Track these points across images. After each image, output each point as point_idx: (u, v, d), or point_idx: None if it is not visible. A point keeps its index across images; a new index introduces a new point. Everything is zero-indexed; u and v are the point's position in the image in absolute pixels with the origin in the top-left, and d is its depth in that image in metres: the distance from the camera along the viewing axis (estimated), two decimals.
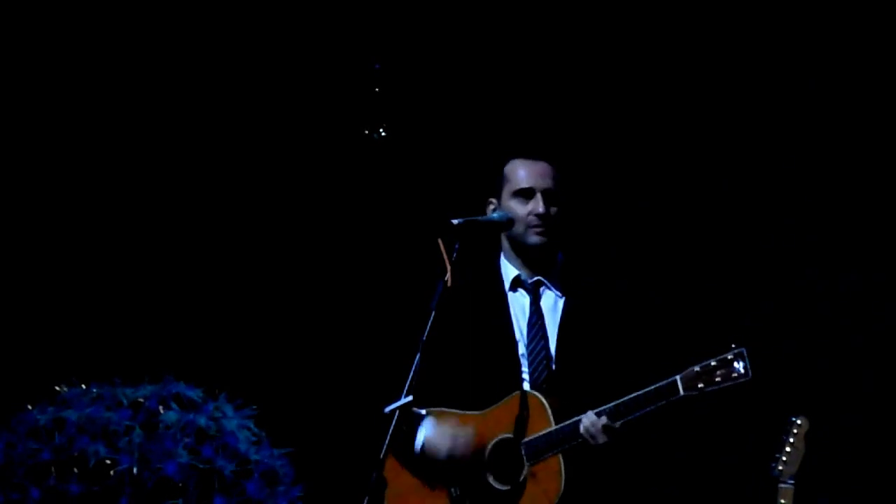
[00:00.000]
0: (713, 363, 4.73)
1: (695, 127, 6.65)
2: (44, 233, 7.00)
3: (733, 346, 4.73)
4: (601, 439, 4.77)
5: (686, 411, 4.83)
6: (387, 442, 4.58)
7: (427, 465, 4.96)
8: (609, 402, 4.80)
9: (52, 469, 5.83)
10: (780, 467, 4.95)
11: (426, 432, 4.96)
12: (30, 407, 6.00)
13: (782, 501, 4.93)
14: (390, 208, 6.93)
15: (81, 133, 7.03)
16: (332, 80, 7.02)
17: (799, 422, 4.98)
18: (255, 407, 6.12)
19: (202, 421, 5.96)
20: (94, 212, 7.03)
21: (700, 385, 4.73)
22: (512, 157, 5.13)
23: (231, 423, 6.00)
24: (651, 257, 6.62)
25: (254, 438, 6.04)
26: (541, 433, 4.88)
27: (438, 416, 4.98)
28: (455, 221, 4.94)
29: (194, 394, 6.06)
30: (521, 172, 5.06)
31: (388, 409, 4.61)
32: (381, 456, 4.59)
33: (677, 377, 4.76)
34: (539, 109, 6.77)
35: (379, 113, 6.98)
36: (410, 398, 4.60)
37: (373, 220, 6.96)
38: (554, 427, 4.86)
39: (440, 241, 4.77)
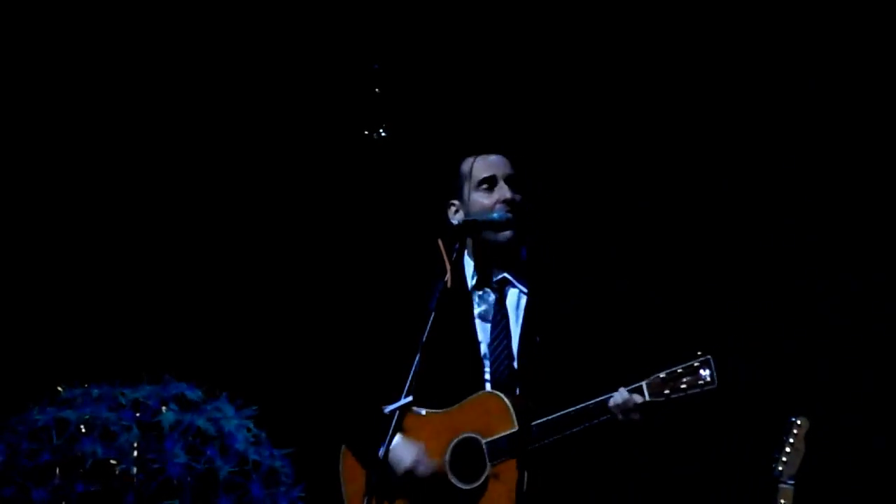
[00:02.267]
0: (679, 370, 4.74)
1: (687, 124, 6.65)
2: (44, 233, 7.00)
3: (699, 353, 4.73)
4: (634, 416, 4.75)
5: (664, 416, 4.84)
6: (387, 442, 4.58)
7: (389, 467, 4.93)
8: (569, 402, 4.80)
9: (57, 470, 5.83)
10: (780, 467, 4.95)
11: (392, 443, 4.93)
12: (30, 407, 6.00)
13: (782, 501, 4.94)
14: (390, 208, 6.92)
15: (82, 133, 7.03)
16: (331, 81, 7.02)
17: (799, 422, 4.98)
18: (255, 407, 6.12)
19: (201, 421, 5.96)
20: (94, 212, 7.03)
21: (666, 391, 4.74)
22: (466, 157, 5.10)
23: (230, 424, 6.00)
24: (630, 255, 6.61)
25: (252, 439, 6.03)
26: (506, 433, 4.86)
27: (407, 417, 4.96)
28: (455, 222, 4.94)
29: (194, 394, 6.05)
30: (480, 165, 5.04)
31: (388, 410, 4.61)
32: (381, 456, 4.59)
33: (643, 383, 4.77)
34: (540, 109, 6.77)
35: (379, 113, 6.98)
36: (410, 398, 4.60)
37: (373, 221, 6.95)
38: (517, 426, 4.83)
39: (440, 241, 4.77)
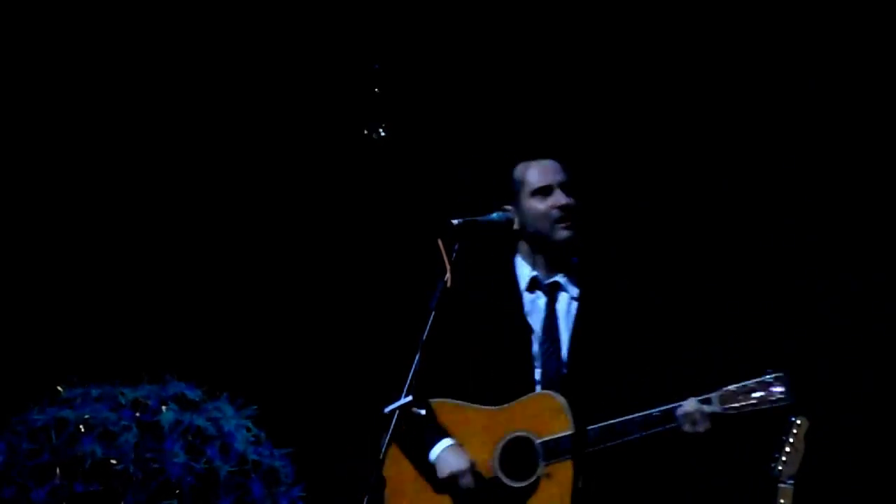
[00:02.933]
0: (751, 384, 4.82)
1: (686, 124, 6.65)
2: (44, 233, 7.00)
3: (768, 370, 4.79)
4: (701, 426, 4.78)
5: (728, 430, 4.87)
6: (386, 442, 4.58)
7: (434, 472, 4.97)
8: (620, 408, 4.86)
9: (57, 470, 5.83)
10: (780, 467, 4.95)
11: (442, 448, 4.95)
12: (30, 407, 6.00)
13: (782, 501, 4.93)
14: (390, 209, 6.93)
15: (82, 133, 7.03)
16: (332, 81, 7.02)
17: (799, 422, 4.98)
18: (255, 407, 6.11)
19: (201, 421, 5.96)
20: (94, 212, 7.03)
21: (737, 404, 4.81)
22: (520, 161, 5.15)
23: (230, 424, 6.00)
24: (661, 260, 6.62)
25: (252, 439, 6.03)
26: (563, 434, 4.88)
27: (459, 411, 4.99)
28: (454, 222, 4.95)
29: (194, 394, 6.05)
30: (535, 171, 5.10)
31: (388, 409, 4.62)
32: (381, 456, 4.59)
33: (713, 394, 4.82)
34: (540, 109, 6.77)
35: (379, 113, 6.98)
36: (410, 398, 4.60)
37: (373, 221, 6.95)
38: (574, 428, 4.85)
39: (440, 241, 4.77)
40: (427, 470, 4.99)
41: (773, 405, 4.79)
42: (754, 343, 6.29)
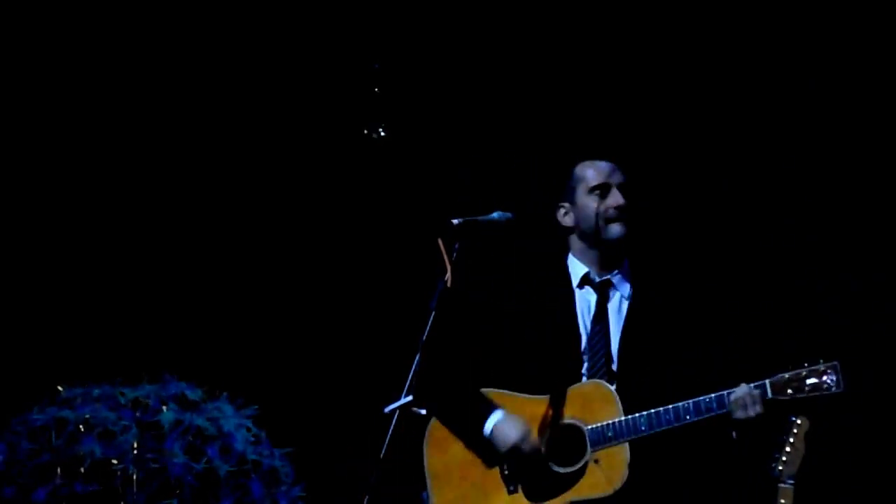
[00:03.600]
0: (804, 372, 4.91)
1: (685, 123, 6.66)
2: (44, 233, 7.00)
3: (821, 360, 4.88)
4: (752, 411, 4.86)
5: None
6: (387, 442, 4.58)
7: (490, 446, 5.00)
8: (667, 402, 4.92)
9: (59, 470, 5.83)
10: (780, 467, 4.95)
11: (497, 419, 4.99)
12: (30, 407, 6.00)
13: (782, 501, 4.93)
14: (390, 208, 6.93)
15: (82, 133, 7.03)
16: (331, 81, 7.02)
17: (799, 422, 4.98)
18: (255, 407, 6.11)
19: (201, 421, 5.96)
20: (94, 212, 7.03)
21: (790, 391, 4.89)
22: (579, 161, 5.23)
23: (229, 423, 6.00)
24: (707, 260, 6.62)
25: (252, 439, 6.03)
26: (614, 420, 4.93)
27: (507, 400, 5.04)
28: (455, 221, 4.95)
29: (194, 394, 6.05)
30: (593, 171, 5.17)
31: (388, 409, 4.62)
32: (381, 456, 4.59)
33: (766, 381, 4.89)
34: (540, 109, 6.77)
35: (378, 113, 6.98)
36: (410, 398, 4.60)
37: (373, 220, 6.96)
38: (623, 415, 4.91)
39: (440, 241, 4.78)
40: (479, 447, 5.01)
41: (825, 392, 4.87)
42: (802, 335, 6.34)
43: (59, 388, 6.07)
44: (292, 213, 7.04)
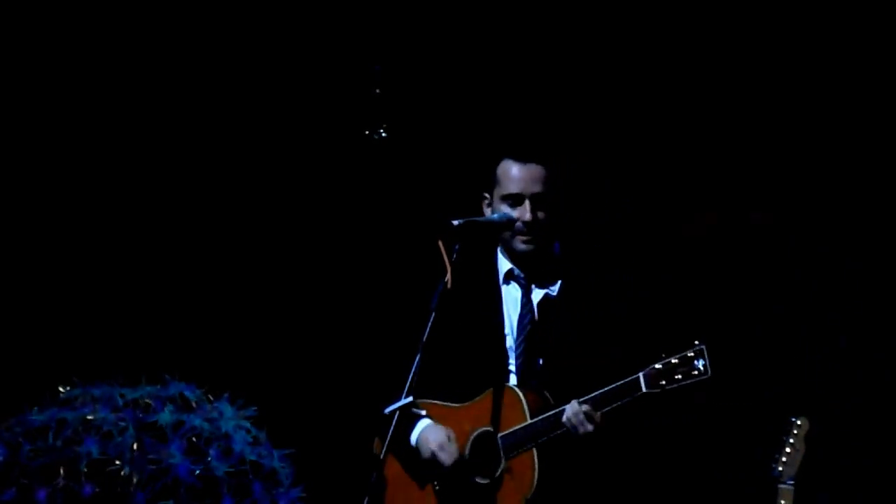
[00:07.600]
0: (674, 360, 4.76)
1: (685, 122, 6.66)
2: (43, 233, 7.00)
3: (695, 342, 4.74)
4: (583, 429, 4.78)
5: (668, 408, 4.85)
6: (387, 442, 4.58)
7: (418, 458, 4.97)
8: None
9: (61, 470, 5.83)
10: (780, 468, 4.96)
11: (422, 427, 4.97)
12: (30, 407, 5.99)
13: (782, 502, 4.94)
14: (390, 209, 6.93)
15: (81, 133, 7.02)
16: (332, 82, 7.02)
17: (799, 422, 4.99)
18: (254, 407, 6.11)
19: (199, 422, 5.95)
20: (93, 212, 7.03)
21: (662, 383, 4.75)
22: (504, 157, 5.14)
23: (229, 424, 5.99)
24: (645, 254, 6.62)
25: (251, 439, 6.03)
26: (517, 427, 4.89)
27: (429, 409, 5.00)
28: (455, 222, 4.96)
29: (194, 394, 6.05)
30: (511, 176, 5.10)
31: (388, 410, 4.62)
32: (382, 456, 4.59)
33: (640, 374, 4.78)
34: (536, 110, 6.77)
35: (379, 114, 6.98)
36: (411, 399, 4.60)
37: (373, 221, 6.96)
38: (530, 420, 4.87)
39: (440, 241, 4.78)
40: (411, 461, 4.99)
41: (696, 379, 4.75)
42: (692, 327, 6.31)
43: (59, 388, 6.06)
44: (293, 213, 7.04)
